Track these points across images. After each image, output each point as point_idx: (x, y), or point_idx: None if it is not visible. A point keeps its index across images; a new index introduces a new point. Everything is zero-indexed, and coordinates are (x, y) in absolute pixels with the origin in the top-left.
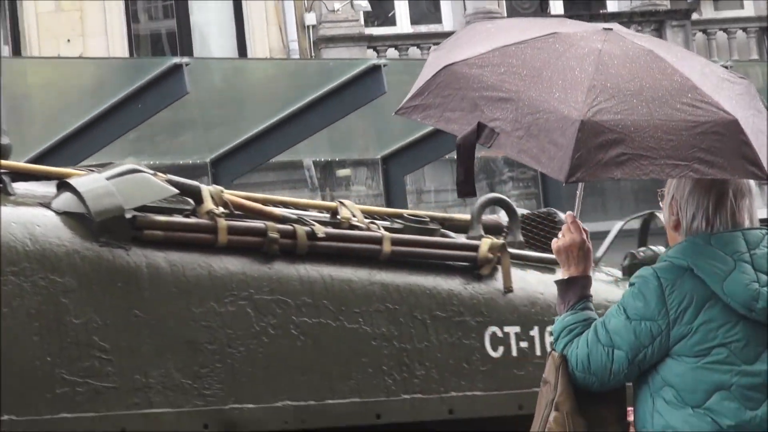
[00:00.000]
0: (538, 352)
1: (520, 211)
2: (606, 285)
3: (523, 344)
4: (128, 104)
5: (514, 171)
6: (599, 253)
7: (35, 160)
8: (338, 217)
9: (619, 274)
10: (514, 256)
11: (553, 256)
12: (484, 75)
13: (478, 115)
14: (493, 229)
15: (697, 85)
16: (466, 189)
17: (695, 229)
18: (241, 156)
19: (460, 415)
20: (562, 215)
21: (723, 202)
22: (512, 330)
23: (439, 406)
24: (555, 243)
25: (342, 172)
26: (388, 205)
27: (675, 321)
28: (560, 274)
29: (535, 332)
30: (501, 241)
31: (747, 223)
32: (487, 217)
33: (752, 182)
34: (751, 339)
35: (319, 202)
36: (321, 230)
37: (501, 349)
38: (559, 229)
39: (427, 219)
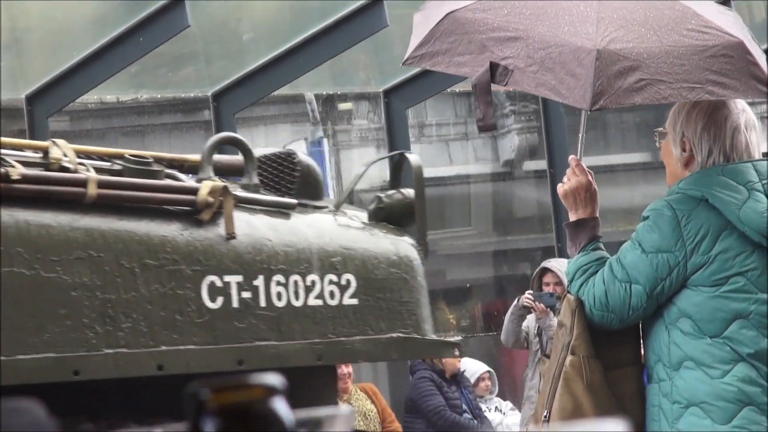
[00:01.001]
0: (262, 303)
1: (260, 151)
2: (341, 229)
3: (246, 294)
4: (129, 37)
5: (515, 105)
6: (332, 195)
7: (36, 93)
8: (49, 157)
9: (364, 217)
10: (241, 200)
11: (287, 200)
12: (488, 18)
13: (488, 56)
14: (227, 171)
15: (698, 12)
16: (485, 125)
17: (711, 164)
18: (242, 89)
19: (171, 370)
20: (302, 156)
21: (738, 135)
22: (233, 279)
23: (147, 362)
24: (561, 187)
25: (343, 106)
26: (391, 140)
27: (692, 251)
28: (571, 216)
29: (259, 282)
30: (223, 183)
31: (757, 156)
32: (223, 157)
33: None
34: (766, 268)
35: (32, 141)
36: (16, 172)
37: (220, 300)
38: (299, 171)
39: (150, 160)
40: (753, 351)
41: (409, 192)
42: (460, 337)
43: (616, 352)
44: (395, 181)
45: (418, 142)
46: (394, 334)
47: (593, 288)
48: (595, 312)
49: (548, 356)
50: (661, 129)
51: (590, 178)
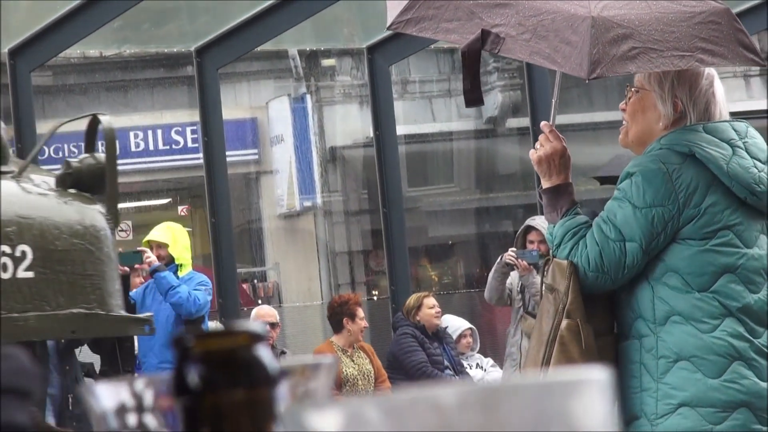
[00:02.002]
0: None
1: None
2: (21, 196)
3: None
4: None
5: (499, 62)
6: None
7: (19, 47)
8: None
9: (53, 183)
10: None
11: None
12: None
13: (478, 23)
14: None
15: None
16: (473, 97)
17: (699, 120)
18: (225, 44)
19: None
20: None
21: (715, 96)
22: None
23: None
24: (534, 153)
25: (327, 62)
26: (373, 96)
27: (684, 204)
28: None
29: None
30: None
31: (726, 116)
32: None
33: None
34: (749, 223)
35: None
36: None
37: None
38: None
39: None
40: (740, 305)
41: (101, 156)
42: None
43: (596, 321)
44: (89, 145)
45: (401, 99)
46: (75, 310)
47: (586, 249)
48: (589, 274)
49: (531, 314)
50: (635, 87)
51: (564, 143)
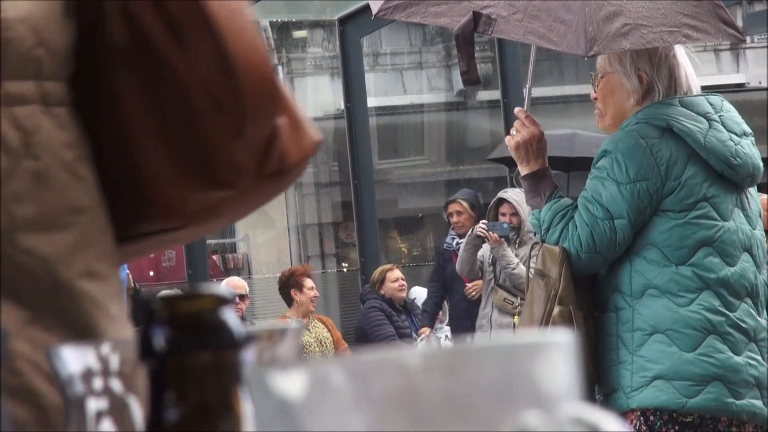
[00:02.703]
0: None
1: None
2: None
3: None
4: None
5: None
6: None
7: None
8: None
9: None
10: None
11: None
12: None
13: (467, 5)
14: None
15: None
16: (470, 78)
17: (672, 94)
18: None
19: None
20: None
21: (681, 69)
22: None
23: None
24: (511, 140)
25: (298, 34)
26: (345, 68)
27: (666, 176)
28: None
29: None
30: None
31: (696, 90)
32: None
33: None
34: (725, 196)
35: None
36: None
37: None
38: None
39: None
40: (718, 278)
41: None
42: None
43: (584, 305)
44: None
45: (372, 71)
46: None
47: (577, 231)
48: (582, 255)
49: (502, 287)
50: (599, 73)
51: (540, 127)
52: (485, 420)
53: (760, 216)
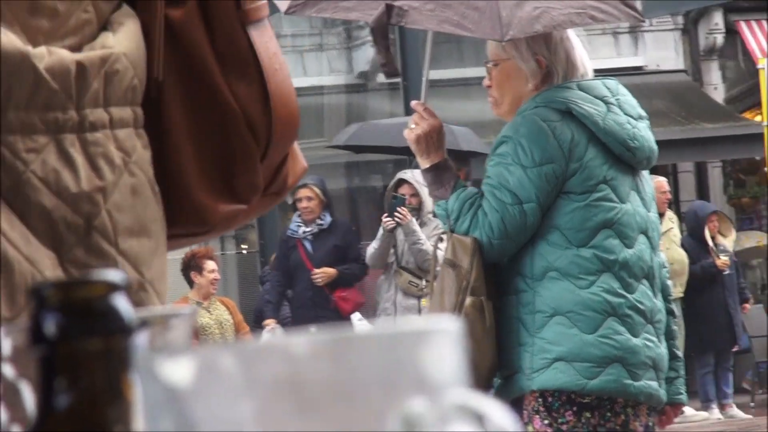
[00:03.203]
0: None
1: None
2: None
3: None
4: None
5: None
6: None
7: None
8: None
9: None
10: None
11: None
12: None
13: None
14: None
15: None
16: (390, 70)
17: (569, 78)
18: None
19: None
20: None
21: (576, 51)
22: None
23: None
24: (410, 133)
25: None
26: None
27: (569, 158)
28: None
29: None
30: None
31: (591, 73)
32: None
33: None
34: (623, 179)
35: None
36: None
37: None
38: None
39: None
40: (617, 260)
41: None
42: None
43: (491, 293)
44: None
45: None
46: None
47: (487, 218)
48: (495, 242)
49: (404, 268)
50: (493, 61)
51: (439, 120)
52: (371, 406)
53: (653, 199)
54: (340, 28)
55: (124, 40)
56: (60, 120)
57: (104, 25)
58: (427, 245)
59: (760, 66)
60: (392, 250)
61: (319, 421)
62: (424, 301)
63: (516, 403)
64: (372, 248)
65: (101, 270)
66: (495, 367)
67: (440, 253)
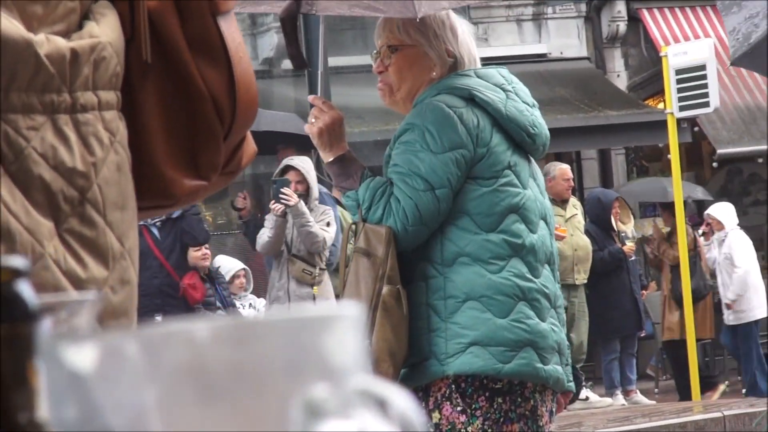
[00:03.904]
0: None
1: None
2: None
3: None
4: None
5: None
6: None
7: None
8: None
9: None
10: None
11: None
12: None
13: None
14: None
15: None
16: (299, 61)
17: (468, 66)
18: None
19: None
20: None
21: (471, 41)
22: None
23: None
24: (312, 127)
25: None
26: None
27: (476, 143)
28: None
29: None
30: None
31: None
32: None
33: None
34: (523, 165)
35: None
36: None
37: None
38: None
39: None
40: (524, 246)
41: None
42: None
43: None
44: None
45: None
46: None
47: (401, 205)
48: (410, 229)
49: (297, 256)
50: (393, 45)
51: (339, 112)
52: (274, 392)
53: (545, 187)
54: (245, 14)
55: (108, 30)
56: (55, 101)
57: (86, 15)
58: (316, 228)
59: (662, 54)
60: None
61: (222, 407)
62: (315, 289)
63: (422, 390)
64: (266, 236)
65: (4, 256)
66: (409, 355)
67: (327, 236)
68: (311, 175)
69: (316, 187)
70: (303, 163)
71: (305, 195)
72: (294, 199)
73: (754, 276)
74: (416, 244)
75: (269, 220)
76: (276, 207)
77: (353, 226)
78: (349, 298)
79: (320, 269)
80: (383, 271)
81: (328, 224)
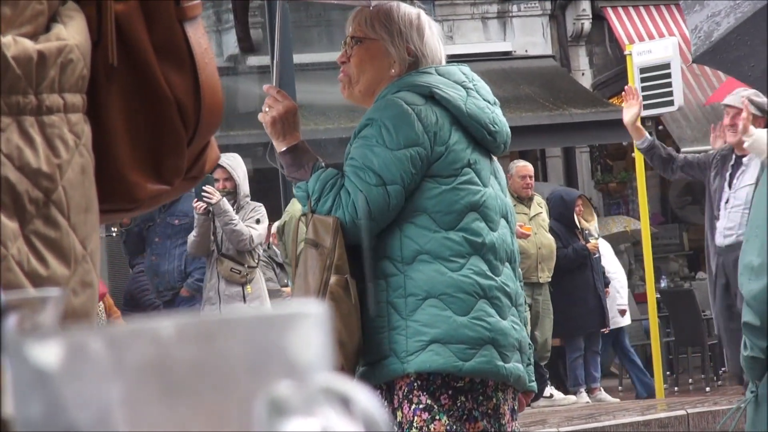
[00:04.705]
0: None
1: None
2: None
3: None
4: None
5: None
6: None
7: None
8: None
9: None
10: None
11: None
12: None
13: None
14: None
15: None
16: (246, 46)
17: (431, 63)
18: None
19: None
20: None
21: (437, 36)
22: None
23: None
24: (264, 116)
25: None
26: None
27: (434, 141)
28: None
29: None
30: None
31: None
32: None
33: None
34: (484, 163)
35: None
36: None
37: None
38: None
39: None
40: (484, 244)
41: None
42: None
43: (355, 272)
44: None
45: None
46: None
47: (351, 198)
48: (358, 222)
49: (225, 256)
50: (356, 37)
51: (293, 102)
52: (238, 389)
53: (506, 185)
54: (210, 11)
55: (75, 33)
56: (21, 103)
57: (53, 17)
58: (241, 226)
59: (627, 52)
60: (212, 238)
61: (186, 404)
62: (248, 288)
63: (385, 388)
64: (192, 236)
65: None
66: (361, 346)
67: (255, 233)
68: (238, 172)
69: (244, 184)
70: (230, 161)
71: (233, 192)
72: (216, 197)
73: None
74: (365, 237)
75: (196, 219)
76: (198, 205)
77: (303, 218)
78: (298, 289)
79: (249, 267)
80: (331, 261)
81: (257, 221)
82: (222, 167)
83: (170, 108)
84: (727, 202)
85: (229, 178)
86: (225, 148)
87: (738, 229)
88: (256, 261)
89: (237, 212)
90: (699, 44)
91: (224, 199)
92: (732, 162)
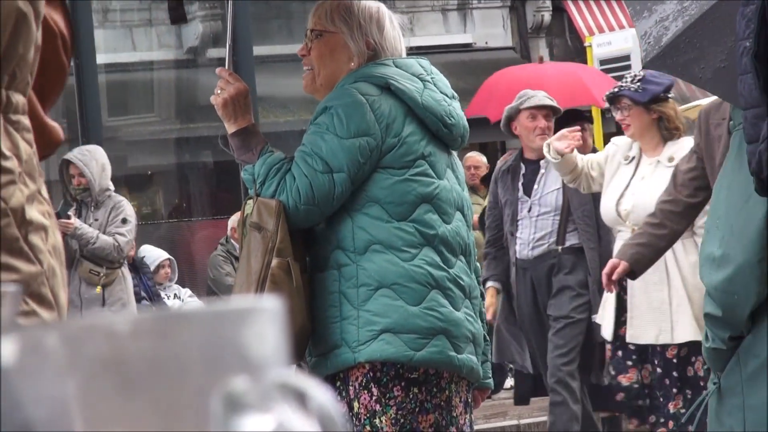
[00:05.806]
0: None
1: None
2: None
3: None
4: None
5: None
6: None
7: None
8: None
9: None
10: None
11: None
12: None
13: None
14: None
15: None
16: (177, 15)
17: (390, 56)
18: None
19: None
20: None
21: (398, 30)
22: None
23: None
24: (216, 98)
25: None
26: (75, 24)
27: (386, 132)
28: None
29: None
30: None
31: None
32: None
33: None
34: (440, 156)
35: None
36: None
37: None
38: None
39: None
40: (436, 236)
41: None
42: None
43: (299, 258)
44: None
45: (101, 28)
46: None
47: (295, 183)
48: (301, 207)
49: (86, 257)
50: (316, 30)
51: (244, 84)
52: (193, 385)
53: (464, 179)
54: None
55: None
56: None
57: None
58: (101, 240)
59: (587, 44)
60: (73, 240)
61: (142, 399)
62: (98, 289)
63: (337, 379)
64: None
65: None
66: (306, 330)
67: (122, 240)
68: (91, 167)
69: (99, 179)
70: (81, 155)
71: (88, 189)
72: (69, 228)
73: None
74: (308, 223)
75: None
76: (64, 228)
77: (248, 201)
78: (241, 272)
79: (109, 269)
80: (273, 244)
81: (123, 221)
82: (73, 164)
83: (56, 41)
84: (530, 210)
85: (82, 174)
86: (186, 141)
87: (550, 237)
88: (120, 261)
89: (96, 209)
90: (649, 50)
91: (75, 224)
92: (523, 171)
